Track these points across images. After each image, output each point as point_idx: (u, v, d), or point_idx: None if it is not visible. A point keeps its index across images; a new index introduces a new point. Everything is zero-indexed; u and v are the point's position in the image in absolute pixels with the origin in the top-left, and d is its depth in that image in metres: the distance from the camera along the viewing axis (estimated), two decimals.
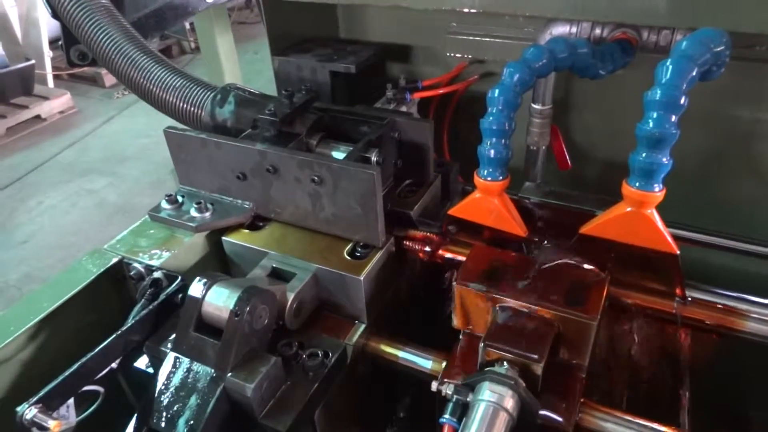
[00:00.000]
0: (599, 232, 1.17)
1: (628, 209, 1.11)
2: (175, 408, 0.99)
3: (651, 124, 1.02)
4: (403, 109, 1.72)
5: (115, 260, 1.30)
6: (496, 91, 1.18)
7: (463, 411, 1.01)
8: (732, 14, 1.20)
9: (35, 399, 0.96)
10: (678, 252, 1.12)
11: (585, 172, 1.89)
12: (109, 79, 7.21)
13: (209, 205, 1.38)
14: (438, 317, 1.46)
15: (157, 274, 1.25)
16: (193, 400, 0.99)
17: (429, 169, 1.47)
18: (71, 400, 1.06)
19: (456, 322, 1.22)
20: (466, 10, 1.42)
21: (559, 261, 1.19)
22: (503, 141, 1.19)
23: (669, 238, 1.11)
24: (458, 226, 1.35)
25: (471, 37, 1.85)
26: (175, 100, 1.52)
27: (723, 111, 1.69)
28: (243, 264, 1.37)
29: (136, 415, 1.05)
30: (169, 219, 1.37)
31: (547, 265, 1.19)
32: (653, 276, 1.20)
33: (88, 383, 1.05)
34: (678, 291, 1.17)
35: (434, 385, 1.09)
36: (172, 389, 1.02)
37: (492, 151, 1.19)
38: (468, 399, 1.02)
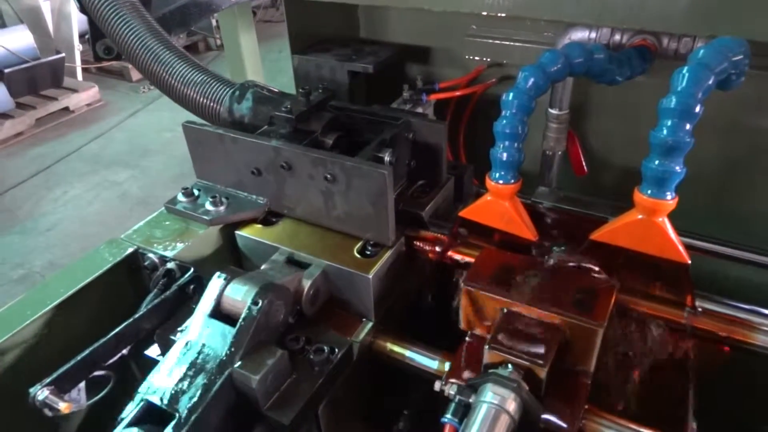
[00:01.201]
0: (610, 239, 1.16)
1: (640, 216, 1.10)
2: (179, 386, 1.00)
3: (665, 132, 1.02)
4: (419, 110, 1.72)
5: (130, 250, 1.33)
6: (510, 94, 1.18)
7: (465, 412, 1.02)
8: (752, 23, 1.19)
9: (47, 381, 0.99)
10: (689, 261, 1.11)
11: (601, 179, 1.87)
12: (136, 74, 7.34)
13: (224, 200, 1.40)
14: (447, 319, 1.46)
15: (170, 265, 1.28)
16: (199, 380, 1.00)
17: (442, 170, 1.47)
18: (82, 384, 1.09)
19: (462, 323, 1.22)
20: (485, 13, 1.42)
21: (569, 266, 1.19)
22: (516, 144, 1.19)
23: (680, 247, 1.10)
24: (469, 228, 1.36)
25: (490, 41, 1.85)
26: (195, 95, 1.55)
27: (745, 121, 1.66)
28: (255, 258, 1.39)
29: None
30: (185, 212, 1.40)
31: (556, 271, 1.19)
32: (664, 284, 1.19)
33: (99, 368, 1.07)
34: (688, 301, 1.16)
35: (437, 385, 1.09)
36: (179, 368, 1.03)
37: (504, 155, 1.19)
38: (470, 400, 1.02)
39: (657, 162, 1.04)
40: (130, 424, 0.94)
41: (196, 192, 1.44)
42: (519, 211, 1.25)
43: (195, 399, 0.96)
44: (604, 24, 1.46)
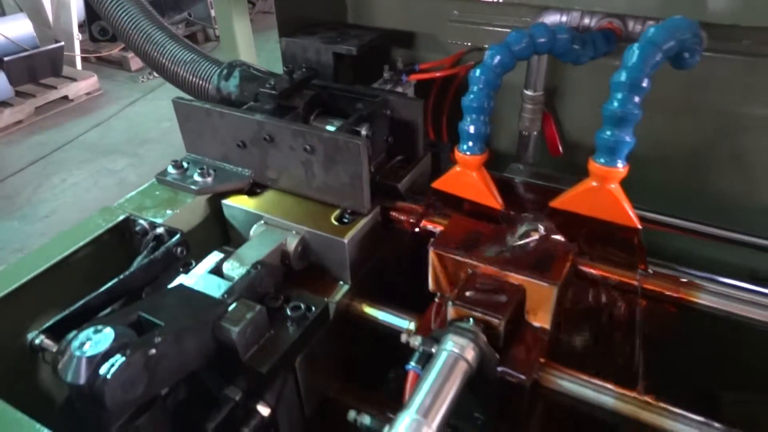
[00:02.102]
0: (567, 206, 1.25)
1: (594, 184, 1.19)
2: (171, 310, 1.10)
3: (616, 104, 1.10)
4: (399, 90, 1.80)
5: (122, 217, 1.42)
6: (478, 71, 1.26)
7: (427, 360, 1.10)
8: (707, 6, 1.27)
9: (43, 328, 1.07)
10: (640, 226, 1.19)
11: (576, 159, 1.95)
12: (135, 63, 7.39)
13: (211, 171, 1.49)
14: (421, 286, 1.54)
15: (159, 230, 1.36)
16: (188, 310, 1.11)
17: (419, 146, 1.56)
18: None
19: (431, 285, 1.30)
20: None
21: (531, 232, 1.27)
22: (482, 118, 1.27)
23: (631, 213, 1.19)
24: (442, 199, 1.44)
25: (471, 26, 1.92)
26: (185, 73, 1.63)
27: (712, 104, 1.74)
28: (240, 226, 1.48)
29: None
30: (174, 182, 1.48)
31: (519, 236, 1.27)
32: (619, 250, 1.27)
33: (90, 320, 1.16)
34: (640, 264, 1.24)
35: (403, 337, 1.18)
36: (173, 299, 1.14)
37: (472, 127, 1.27)
38: (432, 350, 1.11)
39: (609, 132, 1.12)
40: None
41: (185, 165, 1.53)
42: (486, 181, 1.34)
43: (181, 322, 1.06)
44: (574, 7, 1.54)
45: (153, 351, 0.96)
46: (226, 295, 1.15)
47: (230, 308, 1.13)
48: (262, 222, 1.42)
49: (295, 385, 1.31)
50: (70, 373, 0.91)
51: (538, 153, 1.92)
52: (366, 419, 1.09)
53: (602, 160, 1.15)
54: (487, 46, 1.93)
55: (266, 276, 1.24)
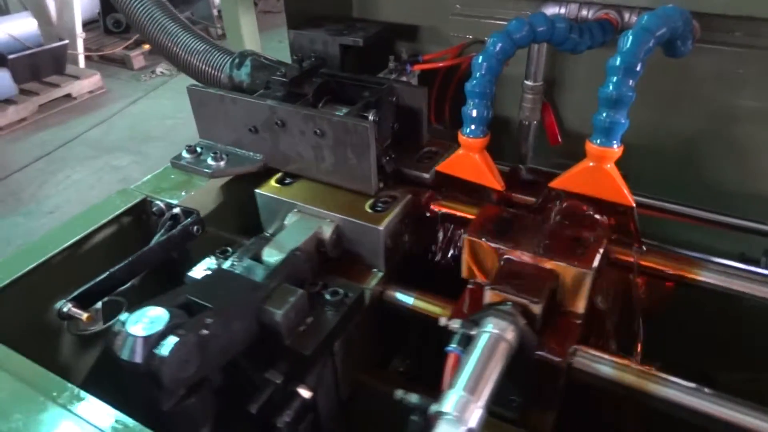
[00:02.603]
0: (565, 185, 1.31)
1: (591, 164, 1.25)
2: (215, 292, 1.13)
3: (611, 87, 1.17)
4: (404, 79, 1.87)
5: (140, 198, 1.48)
6: (480, 57, 1.32)
7: (467, 342, 1.12)
8: None
9: (70, 297, 1.14)
10: (634, 204, 1.26)
11: (574, 148, 1.99)
12: (138, 62, 7.46)
13: (224, 156, 1.55)
14: (448, 271, 1.53)
15: (176, 210, 1.43)
16: (233, 294, 1.14)
17: (423, 132, 1.62)
18: (100, 307, 1.24)
19: (463, 272, 1.34)
20: None
21: (562, 219, 1.33)
22: (485, 102, 1.34)
23: (626, 191, 1.25)
24: (447, 182, 1.50)
25: (474, 19, 1.98)
26: (197, 62, 1.70)
27: (704, 95, 1.80)
28: (272, 215, 1.52)
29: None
30: (188, 166, 1.54)
31: (551, 223, 1.32)
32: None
33: (113, 292, 1.22)
34: (636, 243, 1.31)
35: (443, 321, 1.20)
36: (215, 282, 1.19)
37: (474, 111, 1.34)
38: (473, 332, 1.13)
39: (605, 114, 1.19)
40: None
41: (199, 149, 1.59)
42: (488, 163, 1.40)
43: (228, 304, 1.10)
44: None
45: (205, 331, 0.99)
46: (268, 280, 1.17)
47: (273, 292, 1.16)
48: (296, 210, 1.45)
49: (332, 369, 1.34)
50: (127, 351, 0.94)
51: (537, 142, 1.98)
52: (414, 397, 1.07)
53: (598, 141, 1.21)
54: (487, 38, 2.01)
55: (304, 262, 1.27)
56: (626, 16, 1.58)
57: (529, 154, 1.99)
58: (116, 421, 0.92)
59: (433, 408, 0.97)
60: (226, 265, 1.28)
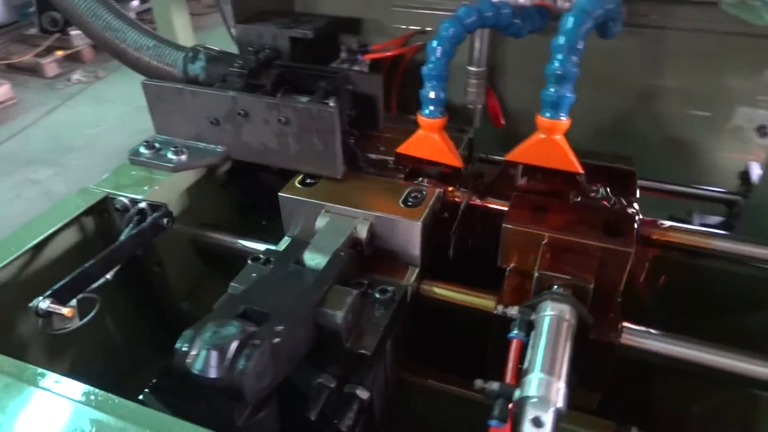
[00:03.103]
0: (519, 158, 1.42)
1: (542, 136, 1.36)
2: (271, 299, 1.11)
3: (557, 64, 1.28)
4: (356, 68, 1.93)
5: (102, 196, 1.46)
6: (434, 42, 1.40)
7: (528, 327, 1.15)
8: None
9: (48, 293, 1.11)
10: (582, 171, 1.38)
11: (517, 129, 2.15)
12: (51, 69, 7.06)
13: (185, 149, 1.55)
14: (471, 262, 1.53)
15: (142, 205, 1.42)
16: (288, 301, 1.11)
17: (379, 118, 1.69)
18: (71, 313, 1.21)
19: (502, 260, 1.38)
20: None
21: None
22: (441, 84, 1.42)
23: (574, 160, 1.37)
24: (407, 162, 1.57)
25: (414, 10, 2.08)
26: (148, 58, 1.68)
27: (629, 75, 1.98)
28: (297, 217, 1.47)
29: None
30: (149, 161, 1.53)
31: (579, 206, 1.40)
32: None
33: (89, 286, 1.21)
34: None
35: (499, 309, 1.24)
36: (267, 288, 1.16)
37: (432, 93, 1.42)
38: (531, 317, 1.16)
39: (552, 89, 1.30)
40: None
41: (157, 145, 1.58)
42: (447, 142, 1.49)
43: (287, 310, 1.07)
44: None
45: (277, 339, 0.97)
46: (320, 283, 1.15)
47: (328, 295, 1.14)
48: (325, 211, 1.42)
49: (384, 367, 1.32)
50: (204, 367, 0.91)
51: (482, 124, 2.10)
52: (494, 385, 1.04)
53: (548, 114, 1.33)
54: (429, 28, 2.11)
55: (348, 262, 1.25)
56: (560, 2, 1.71)
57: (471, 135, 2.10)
58: (84, 393, 0.91)
59: (517, 394, 0.99)
60: (270, 271, 1.24)
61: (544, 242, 1.31)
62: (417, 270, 1.38)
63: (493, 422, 0.96)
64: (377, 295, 1.25)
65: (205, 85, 1.62)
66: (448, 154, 1.49)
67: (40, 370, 0.96)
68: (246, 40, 1.94)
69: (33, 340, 1.27)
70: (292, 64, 1.68)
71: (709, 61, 1.88)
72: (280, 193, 1.46)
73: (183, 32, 3.13)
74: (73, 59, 7.37)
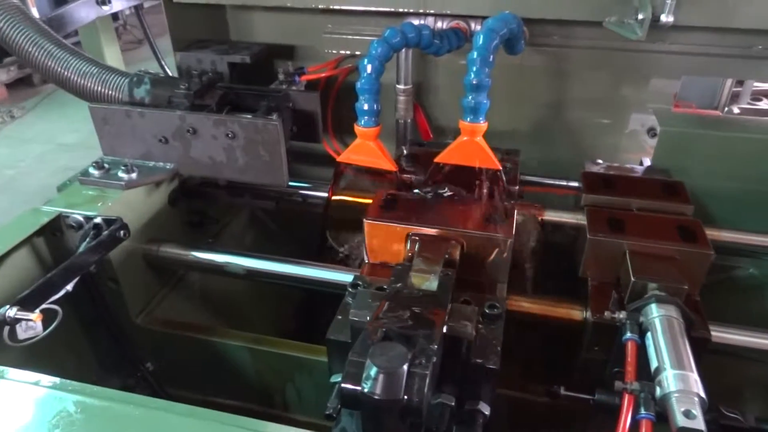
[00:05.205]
0: (447, 159, 1.59)
1: (465, 138, 1.55)
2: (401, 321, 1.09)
3: (472, 75, 1.47)
4: (294, 88, 2.07)
5: (54, 215, 1.51)
6: (365, 60, 1.57)
7: (638, 330, 1.23)
8: (523, 4, 1.73)
9: (14, 302, 1.16)
10: (500, 167, 1.58)
11: (441, 140, 2.36)
12: None
13: (135, 168, 1.63)
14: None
15: (97, 220, 1.48)
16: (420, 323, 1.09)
17: (319, 132, 1.83)
18: (39, 318, 1.26)
19: (583, 271, 1.49)
20: (336, 7, 1.82)
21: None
22: (374, 97, 1.59)
23: (494, 158, 1.57)
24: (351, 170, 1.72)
25: (344, 36, 2.26)
26: (92, 84, 1.75)
27: (540, 87, 2.24)
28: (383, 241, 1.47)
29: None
30: (100, 180, 1.59)
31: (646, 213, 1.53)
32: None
33: (52, 296, 1.26)
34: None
35: (607, 314, 1.32)
36: (398, 310, 1.13)
37: (366, 105, 1.58)
38: (640, 320, 1.25)
39: (470, 97, 1.49)
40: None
41: (106, 165, 1.64)
42: (382, 149, 1.65)
43: (423, 327, 1.07)
44: (428, 11, 1.93)
45: (435, 359, 0.97)
46: (443, 302, 1.15)
47: (451, 311, 1.15)
48: (411, 233, 1.43)
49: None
50: (385, 390, 0.91)
51: (412, 137, 2.29)
52: (636, 386, 1.10)
53: (469, 119, 1.51)
54: (358, 52, 2.29)
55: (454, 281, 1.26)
56: (473, 25, 1.95)
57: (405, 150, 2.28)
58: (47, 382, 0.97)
59: (659, 392, 1.05)
60: (387, 296, 1.21)
61: (625, 251, 1.41)
62: (505, 285, 1.42)
63: (643, 414, 1.05)
64: (486, 311, 1.25)
65: (152, 107, 1.71)
66: (384, 160, 1.65)
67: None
68: (186, 66, 2.05)
69: None
70: (234, 86, 1.81)
71: (605, 74, 2.16)
72: (366, 221, 1.45)
73: (115, 64, 3.18)
74: None
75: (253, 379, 1.75)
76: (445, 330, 1.10)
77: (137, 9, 2.81)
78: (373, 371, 0.91)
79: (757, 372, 1.83)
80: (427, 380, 0.94)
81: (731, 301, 1.98)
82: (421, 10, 1.92)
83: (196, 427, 0.92)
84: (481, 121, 1.52)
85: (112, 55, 3.18)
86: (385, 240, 1.46)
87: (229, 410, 0.95)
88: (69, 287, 1.33)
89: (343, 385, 0.96)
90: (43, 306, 1.26)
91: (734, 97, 4.38)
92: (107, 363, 1.75)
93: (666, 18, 1.59)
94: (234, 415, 0.94)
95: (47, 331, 1.28)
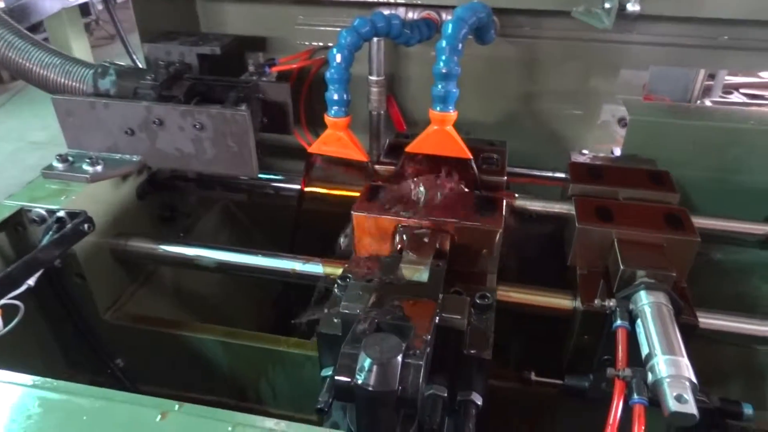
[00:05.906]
0: (418, 149, 1.59)
1: (435, 128, 1.55)
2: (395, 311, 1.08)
3: (441, 64, 1.47)
4: (264, 79, 2.04)
5: (15, 209, 1.47)
6: (335, 50, 1.56)
7: (628, 317, 1.24)
8: None
9: None
10: (471, 156, 1.58)
11: (416, 132, 2.35)
12: None
13: (100, 161, 1.59)
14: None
15: (60, 214, 1.44)
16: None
17: (290, 124, 1.81)
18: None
19: (572, 260, 1.49)
20: None
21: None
22: (343, 87, 1.57)
23: (464, 147, 1.57)
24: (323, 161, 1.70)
25: (316, 27, 2.23)
26: (55, 76, 1.70)
27: (512, 79, 2.24)
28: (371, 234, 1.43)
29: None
30: (64, 174, 1.56)
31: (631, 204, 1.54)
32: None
33: (13, 290, 1.23)
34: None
35: (597, 303, 1.32)
36: (388, 301, 1.12)
37: (336, 95, 1.57)
38: (630, 307, 1.26)
39: (440, 86, 1.49)
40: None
41: (71, 158, 1.61)
42: (352, 139, 1.64)
43: (414, 317, 1.06)
44: (398, 1, 1.92)
45: (429, 349, 0.97)
46: (435, 293, 1.15)
47: (443, 302, 1.14)
48: (401, 225, 1.42)
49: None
50: (380, 382, 0.90)
51: (386, 129, 2.28)
52: (627, 372, 1.11)
53: (438, 108, 1.51)
54: (330, 44, 2.28)
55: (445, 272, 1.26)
56: (443, 15, 1.94)
57: (381, 140, 2.27)
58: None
59: (651, 378, 1.06)
60: (375, 287, 1.20)
61: (614, 239, 1.42)
62: (494, 276, 1.41)
63: (636, 399, 1.06)
64: (477, 301, 1.25)
65: (117, 99, 1.68)
66: (355, 150, 1.64)
67: None
68: (154, 57, 2.01)
69: None
70: (202, 77, 1.78)
71: (576, 65, 2.18)
72: (353, 212, 1.44)
73: (83, 58, 3.12)
74: None
75: (226, 374, 1.73)
76: (437, 321, 1.09)
77: (107, 3, 2.75)
78: (367, 363, 0.91)
79: (730, 355, 1.86)
80: (422, 371, 0.93)
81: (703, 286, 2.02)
82: (392, 1, 1.91)
83: (164, 418, 0.90)
84: (451, 110, 1.52)
85: (81, 49, 3.13)
86: (374, 232, 1.46)
87: (202, 405, 0.93)
88: (31, 282, 1.30)
89: (336, 377, 0.95)
90: (3, 301, 1.23)
91: (706, 91, 4.47)
92: (76, 360, 1.72)
93: (632, 7, 1.60)
94: (203, 407, 0.92)
95: (8, 328, 1.24)
